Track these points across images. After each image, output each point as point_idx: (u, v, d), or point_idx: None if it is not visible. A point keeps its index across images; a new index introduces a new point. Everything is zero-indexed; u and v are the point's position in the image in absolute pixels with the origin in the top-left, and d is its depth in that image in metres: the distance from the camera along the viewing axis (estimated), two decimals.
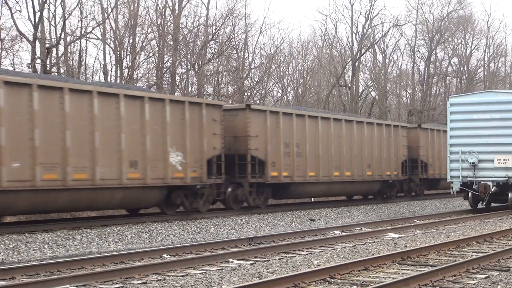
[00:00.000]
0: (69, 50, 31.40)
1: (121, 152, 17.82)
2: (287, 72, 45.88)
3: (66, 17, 29.77)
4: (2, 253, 14.00)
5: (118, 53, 31.99)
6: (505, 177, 24.06)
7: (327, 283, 10.28)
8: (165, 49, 33.03)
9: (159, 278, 10.97)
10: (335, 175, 25.63)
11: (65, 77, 22.95)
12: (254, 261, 12.81)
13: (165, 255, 13.54)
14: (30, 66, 27.32)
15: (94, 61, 53.33)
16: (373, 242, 15.79)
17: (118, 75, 31.89)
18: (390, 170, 29.42)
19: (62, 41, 30.08)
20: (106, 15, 31.66)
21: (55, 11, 30.57)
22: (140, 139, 18.37)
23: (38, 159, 15.87)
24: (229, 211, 22.01)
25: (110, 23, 32.41)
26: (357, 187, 28.18)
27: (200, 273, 11.36)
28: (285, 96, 45.20)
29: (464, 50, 56.35)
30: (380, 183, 29.24)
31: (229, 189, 21.91)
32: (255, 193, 22.77)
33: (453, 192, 25.18)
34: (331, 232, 18.19)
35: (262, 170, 22.43)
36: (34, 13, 27.74)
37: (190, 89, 34.72)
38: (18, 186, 15.60)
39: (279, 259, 13.05)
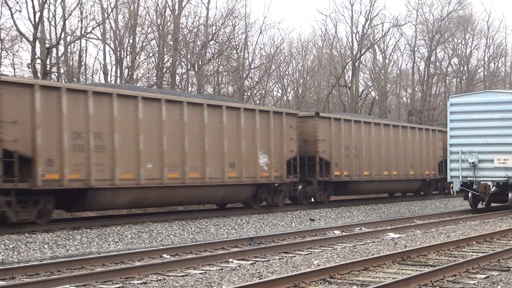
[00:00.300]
0: (69, 50, 31.43)
1: (223, 155, 21.32)
2: (287, 72, 45.91)
3: (66, 17, 29.80)
4: (2, 253, 14.00)
5: (118, 53, 32.00)
6: (505, 177, 24.06)
7: (327, 283, 10.28)
8: (165, 49, 33.04)
9: (159, 278, 10.98)
10: (385, 174, 29.00)
11: (186, 93, 27.83)
12: (254, 261, 12.81)
13: (165, 255, 13.54)
14: (30, 66, 27.32)
15: (94, 61, 53.30)
16: (373, 242, 15.79)
17: (118, 75, 31.90)
18: (429, 170, 32.65)
19: (62, 41, 30.10)
20: (106, 15, 31.68)
21: (55, 11, 30.62)
22: (237, 143, 21.84)
23: (165, 161, 19.35)
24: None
25: (110, 23, 32.45)
26: (402, 185, 31.59)
27: (200, 273, 11.37)
28: (285, 96, 45.23)
29: (464, 50, 56.39)
30: (420, 182, 32.54)
31: (300, 187, 25.14)
32: (321, 190, 25.95)
33: (453, 192, 25.18)
34: (331, 232, 18.20)
35: (328, 170, 25.74)
36: (34, 13, 27.76)
37: (190, 89, 34.73)
38: (151, 184, 19.00)
39: (279, 259, 13.05)
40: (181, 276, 11.15)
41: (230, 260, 12.86)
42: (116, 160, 17.97)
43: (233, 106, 22.01)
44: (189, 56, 35.17)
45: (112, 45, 32.62)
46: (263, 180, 22.91)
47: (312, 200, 25.70)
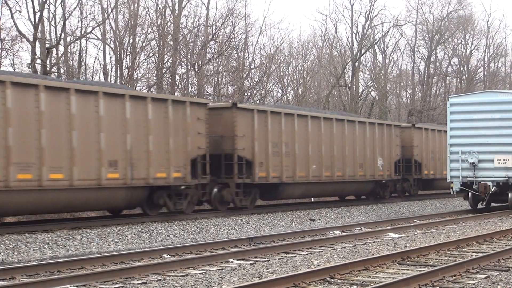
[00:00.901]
0: (69, 50, 31.43)
1: (354, 157, 27.15)
2: (287, 72, 45.94)
3: (66, 17, 29.82)
4: (2, 253, 14.00)
5: (118, 53, 32.01)
6: (505, 177, 24.05)
7: (327, 283, 10.28)
8: (165, 49, 33.05)
9: (159, 278, 10.97)
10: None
11: (289, 105, 32.28)
12: (254, 261, 12.81)
13: (165, 255, 13.54)
14: (30, 66, 27.33)
15: (94, 61, 53.30)
16: (373, 242, 15.79)
17: (118, 75, 31.90)
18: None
19: (62, 41, 30.10)
20: (106, 15, 31.69)
21: (55, 11, 30.62)
22: (330, 147, 26.14)
23: (323, 163, 25.50)
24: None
25: (110, 23, 32.46)
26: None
27: (200, 273, 11.36)
28: (285, 96, 45.24)
29: (464, 50, 56.41)
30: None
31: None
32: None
33: (453, 192, 25.17)
34: (331, 232, 18.19)
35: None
36: (34, 13, 27.78)
37: (190, 89, 34.75)
38: (314, 180, 25.11)
39: (279, 259, 13.04)
40: (181, 276, 11.15)
41: (230, 260, 12.85)
42: (296, 163, 24.15)
43: (328, 117, 26.32)
44: (189, 56, 35.19)
45: (112, 45, 32.64)
46: (378, 177, 28.69)
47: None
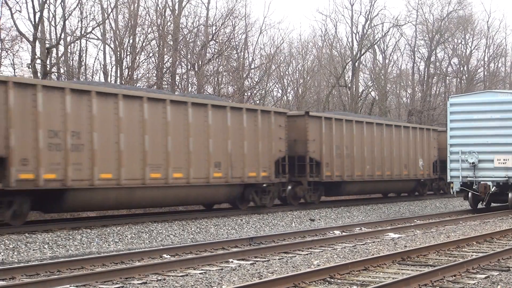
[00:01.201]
0: (69, 50, 31.44)
1: (400, 158, 30.19)
2: (287, 72, 45.94)
3: (66, 17, 29.81)
4: (2, 253, 14.00)
5: (118, 53, 32.01)
6: (505, 177, 24.05)
7: (327, 283, 10.28)
8: (165, 49, 33.04)
9: (159, 278, 10.97)
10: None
11: (361, 114, 35.61)
12: (254, 261, 12.81)
13: (165, 255, 13.54)
14: (30, 66, 27.33)
15: (94, 61, 53.28)
16: (373, 242, 15.79)
17: (118, 75, 31.90)
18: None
19: (62, 41, 30.11)
20: (106, 15, 31.69)
21: (55, 11, 30.64)
22: (398, 150, 29.88)
23: (385, 165, 29.17)
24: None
25: (110, 23, 32.45)
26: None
27: (200, 273, 11.36)
28: (285, 96, 45.25)
29: (464, 50, 56.39)
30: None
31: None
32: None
33: (453, 192, 25.17)
34: (331, 232, 18.19)
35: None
36: (34, 13, 27.76)
37: (190, 89, 34.74)
38: (369, 178, 28.28)
39: (279, 259, 13.05)
40: (181, 276, 11.15)
41: (230, 260, 12.85)
42: (354, 163, 27.17)
43: (398, 125, 30.46)
44: (189, 56, 35.18)
45: (112, 45, 32.64)
46: (420, 176, 31.92)
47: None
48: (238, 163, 21.86)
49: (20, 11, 29.31)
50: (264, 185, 23.19)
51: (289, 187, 24.65)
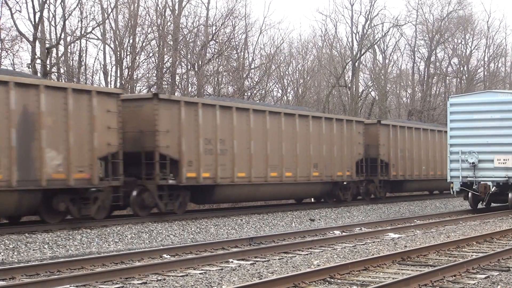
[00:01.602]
0: (69, 50, 31.46)
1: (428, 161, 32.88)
2: (287, 72, 45.93)
3: (66, 17, 29.84)
4: (2, 253, 14.00)
5: (118, 53, 32.02)
6: (505, 177, 24.05)
7: (327, 283, 10.28)
8: (165, 49, 33.05)
9: (159, 278, 10.97)
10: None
11: (414, 121, 38.64)
12: (254, 261, 12.81)
13: (165, 255, 13.54)
14: (30, 66, 27.33)
15: (94, 61, 53.33)
16: (373, 242, 15.79)
17: (118, 75, 31.91)
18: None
19: (62, 41, 30.12)
20: (106, 15, 31.70)
21: (55, 11, 30.65)
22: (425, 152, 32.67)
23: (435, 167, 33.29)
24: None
25: (110, 23, 32.48)
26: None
27: (200, 273, 11.36)
28: (285, 97, 45.24)
29: (464, 50, 56.39)
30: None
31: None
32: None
33: (453, 192, 25.16)
34: (331, 232, 18.19)
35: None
36: (34, 13, 27.78)
37: (190, 89, 34.75)
38: (429, 177, 32.88)
39: (279, 259, 13.04)
40: (181, 276, 11.15)
41: (230, 260, 12.85)
42: (414, 165, 31.24)
43: (432, 129, 33.45)
44: (189, 56, 35.19)
45: (112, 45, 32.64)
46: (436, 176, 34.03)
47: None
48: (330, 164, 26.03)
49: (20, 11, 29.34)
50: (345, 183, 27.20)
51: (363, 185, 28.68)
